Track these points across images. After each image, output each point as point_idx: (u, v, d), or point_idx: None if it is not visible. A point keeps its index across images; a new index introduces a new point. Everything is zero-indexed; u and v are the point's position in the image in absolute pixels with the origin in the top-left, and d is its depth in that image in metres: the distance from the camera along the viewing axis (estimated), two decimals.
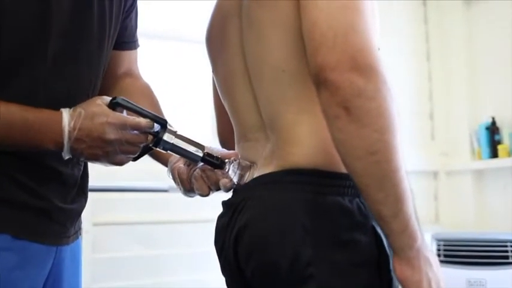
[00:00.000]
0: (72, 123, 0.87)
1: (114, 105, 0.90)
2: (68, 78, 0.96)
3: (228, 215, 0.89)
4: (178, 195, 2.52)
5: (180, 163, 0.97)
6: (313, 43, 0.74)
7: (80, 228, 1.07)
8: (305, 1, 0.77)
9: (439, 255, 2.50)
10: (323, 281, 0.77)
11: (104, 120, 0.87)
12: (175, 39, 2.65)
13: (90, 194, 2.29)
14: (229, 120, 0.99)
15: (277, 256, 0.79)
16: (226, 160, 0.91)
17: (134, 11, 1.15)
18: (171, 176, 1.00)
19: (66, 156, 0.89)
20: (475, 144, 3.00)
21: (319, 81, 0.73)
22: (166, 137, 0.90)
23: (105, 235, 2.29)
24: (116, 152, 0.90)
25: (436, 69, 3.23)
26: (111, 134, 0.88)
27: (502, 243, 2.39)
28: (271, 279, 0.81)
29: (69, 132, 0.87)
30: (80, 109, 0.88)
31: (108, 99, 0.91)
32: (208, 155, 0.91)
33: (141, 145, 0.91)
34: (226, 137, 1.06)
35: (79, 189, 1.04)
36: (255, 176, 0.88)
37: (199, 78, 2.56)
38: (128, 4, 1.11)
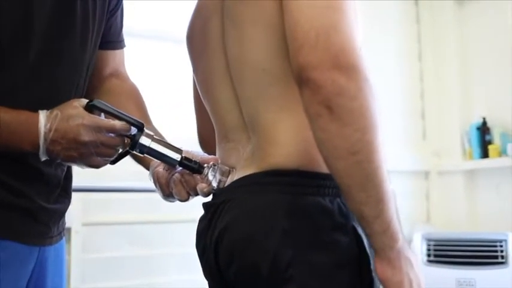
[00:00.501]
0: (48, 125, 0.87)
1: (90, 108, 0.90)
2: (49, 79, 0.96)
3: (208, 217, 0.88)
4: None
5: (160, 167, 0.97)
6: (295, 42, 0.74)
7: (63, 229, 1.07)
8: (287, 0, 0.77)
9: (429, 255, 2.51)
10: (303, 282, 0.77)
11: (79, 122, 0.88)
12: (161, 39, 2.63)
13: (79, 194, 2.30)
14: (210, 121, 0.98)
15: (257, 258, 0.79)
16: (205, 165, 0.91)
17: (119, 11, 1.15)
18: (152, 180, 1.00)
19: (43, 157, 0.89)
20: (466, 145, 3.01)
21: (301, 80, 0.73)
22: (143, 140, 0.89)
23: (95, 235, 2.27)
24: (91, 154, 0.89)
25: (427, 69, 3.23)
26: (86, 136, 0.88)
27: (492, 243, 2.40)
28: (252, 281, 0.80)
29: (45, 133, 0.87)
30: (57, 111, 0.88)
31: (85, 101, 0.91)
32: (186, 159, 0.91)
33: (118, 148, 0.91)
34: (206, 136, 1.06)
35: (62, 190, 1.03)
36: (235, 178, 0.87)
37: (185, 79, 2.53)
38: (113, 4, 1.10)
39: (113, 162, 0.94)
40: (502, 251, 2.36)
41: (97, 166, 0.93)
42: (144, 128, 0.91)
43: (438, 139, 3.15)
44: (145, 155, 0.91)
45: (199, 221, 0.93)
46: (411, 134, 3.14)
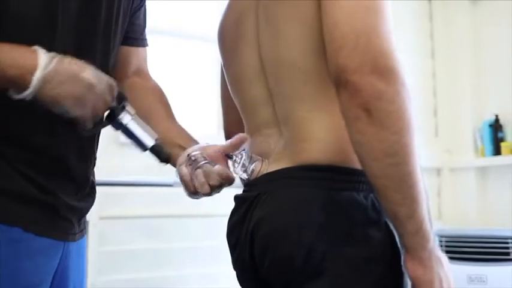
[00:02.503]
0: (52, 55, 0.83)
1: None
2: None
3: (243, 210, 0.89)
4: (182, 191, 2.52)
5: (183, 165, 0.96)
6: (334, 44, 0.74)
7: (85, 227, 1.08)
8: (326, 0, 0.77)
9: None
10: (337, 275, 0.78)
11: (84, 64, 0.86)
12: (180, 36, 2.66)
13: (97, 188, 2.30)
14: (237, 116, 0.99)
15: (292, 250, 0.80)
16: (237, 152, 0.91)
17: (142, 9, 1.15)
18: (177, 177, 0.99)
19: (30, 89, 0.81)
20: (479, 142, 3.01)
21: (340, 82, 0.73)
22: (124, 115, 0.90)
23: (112, 229, 2.29)
24: (88, 101, 0.85)
25: (440, 67, 3.23)
26: (89, 75, 0.85)
27: (503, 239, 2.40)
28: (286, 272, 0.81)
29: (47, 59, 0.82)
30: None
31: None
32: (158, 146, 0.91)
33: (106, 108, 0.90)
34: (233, 132, 1.04)
35: (90, 188, 1.04)
36: (268, 171, 0.88)
37: (204, 75, 2.57)
38: (136, 2, 1.11)
39: (90, 131, 0.91)
40: None
41: (82, 118, 0.87)
42: (128, 104, 0.90)
43: (450, 136, 3.14)
44: (119, 131, 0.92)
45: (232, 213, 0.93)
46: (423, 131, 3.13)
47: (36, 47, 0.83)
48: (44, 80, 0.81)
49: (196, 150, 0.96)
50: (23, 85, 0.81)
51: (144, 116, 1.00)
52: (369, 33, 0.73)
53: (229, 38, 0.98)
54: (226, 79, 1.01)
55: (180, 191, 2.61)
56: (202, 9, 2.69)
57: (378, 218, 0.81)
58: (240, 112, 0.98)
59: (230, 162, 0.93)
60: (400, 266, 0.79)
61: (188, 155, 0.95)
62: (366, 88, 0.71)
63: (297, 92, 0.85)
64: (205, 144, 0.99)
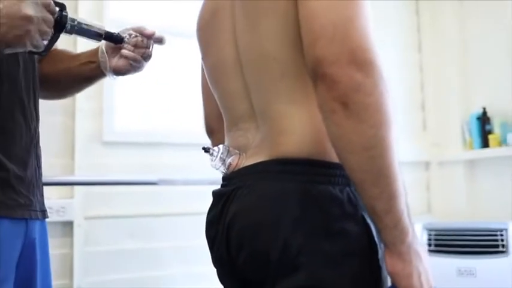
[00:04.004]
0: None
1: None
2: None
3: (220, 204, 0.89)
4: (168, 188, 2.52)
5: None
6: (311, 35, 0.73)
7: (45, 210, 1.07)
8: None
9: (429, 245, 2.52)
10: (313, 269, 0.77)
11: (17, 0, 0.87)
12: (169, 33, 2.64)
13: (81, 188, 2.31)
14: (217, 109, 0.99)
15: (268, 245, 0.79)
16: (125, 35, 1.12)
17: None
18: (101, 57, 1.16)
19: None
20: (467, 135, 3.01)
21: (317, 74, 0.72)
22: (68, 21, 0.98)
23: (97, 228, 2.29)
24: (35, 31, 0.88)
25: (427, 60, 3.23)
26: (29, 10, 0.87)
27: (492, 232, 2.40)
28: (262, 267, 0.80)
29: None
30: None
31: None
32: (109, 32, 1.07)
33: (51, 26, 0.93)
34: (213, 125, 1.07)
35: (35, 157, 1.03)
36: (244, 165, 0.88)
37: (193, 72, 2.56)
38: None
39: (47, 49, 0.95)
40: (502, 240, 2.36)
41: (38, 46, 0.91)
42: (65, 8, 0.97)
43: (438, 130, 3.15)
44: (73, 34, 1.00)
45: (210, 209, 0.93)
46: (411, 125, 3.15)
47: None
48: None
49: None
50: None
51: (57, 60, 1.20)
52: (346, 24, 0.72)
53: (206, 30, 0.97)
54: (205, 72, 1.01)
55: (165, 189, 2.60)
56: (190, 8, 2.67)
57: (354, 211, 0.80)
58: (219, 105, 0.98)
59: (208, 156, 0.93)
60: (378, 260, 0.80)
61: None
62: (343, 80, 0.70)
63: (273, 85, 0.84)
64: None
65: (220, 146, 0.91)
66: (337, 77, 0.70)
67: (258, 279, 0.82)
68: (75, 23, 0.99)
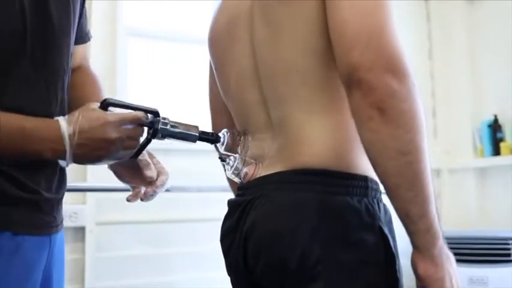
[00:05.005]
0: (71, 128, 0.88)
1: (106, 106, 0.91)
2: (39, 83, 0.96)
3: (236, 215, 0.89)
4: (180, 194, 2.52)
5: None
6: (345, 42, 0.74)
7: (62, 219, 1.08)
8: (332, 0, 0.77)
9: None
10: (331, 279, 0.78)
11: (103, 121, 0.89)
12: (173, 39, 2.67)
13: (93, 194, 2.32)
14: (225, 120, 1.00)
15: (286, 254, 0.80)
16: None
17: (84, 8, 1.17)
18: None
19: (69, 163, 0.90)
20: (478, 142, 3.00)
21: (352, 81, 0.73)
22: (162, 125, 0.92)
23: (109, 234, 2.30)
24: (118, 150, 0.91)
25: (438, 67, 3.22)
26: (113, 133, 0.89)
27: (504, 240, 2.39)
28: (280, 277, 0.81)
29: (70, 137, 0.87)
30: (77, 114, 0.89)
31: (97, 103, 0.92)
32: (203, 133, 0.95)
33: (140, 138, 0.93)
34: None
35: (60, 175, 1.04)
36: (261, 175, 0.88)
37: (195, 77, 2.58)
38: (81, 2, 1.12)
39: (136, 155, 0.95)
40: None
41: (121, 159, 0.94)
42: (159, 115, 0.93)
43: (449, 137, 3.13)
44: (166, 138, 0.94)
45: (225, 218, 0.93)
46: None
47: (57, 120, 0.89)
48: (75, 155, 0.89)
49: None
50: (60, 158, 0.90)
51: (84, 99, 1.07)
52: (379, 32, 0.73)
53: (222, 41, 0.97)
54: (218, 83, 1.00)
55: (177, 195, 2.60)
56: (194, 13, 2.70)
57: (372, 222, 0.80)
58: (233, 116, 0.98)
59: (224, 165, 0.94)
60: (395, 271, 0.80)
61: None
62: (380, 86, 0.71)
63: (293, 95, 0.85)
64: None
65: (236, 155, 0.91)
66: (373, 83, 0.71)
67: (275, 287, 0.83)
68: (168, 129, 0.93)
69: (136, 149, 0.94)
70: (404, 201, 0.75)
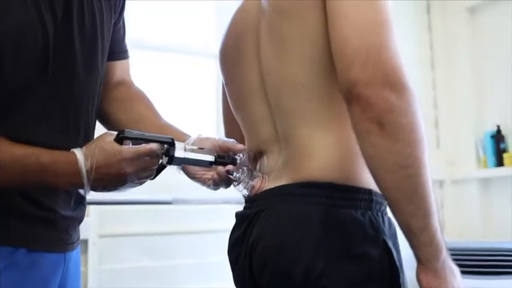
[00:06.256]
0: (89, 163, 0.89)
1: (121, 139, 0.92)
2: (66, 101, 0.98)
3: (243, 227, 0.90)
4: (183, 207, 2.51)
5: None
6: (345, 59, 0.75)
7: (79, 236, 1.10)
8: (334, 17, 0.78)
9: None
10: None
11: (119, 158, 0.90)
12: (180, 51, 2.68)
13: (96, 207, 2.32)
14: (238, 132, 1.01)
15: (290, 266, 0.81)
16: (237, 156, 0.96)
17: (122, 22, 1.18)
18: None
19: (87, 193, 0.93)
20: (481, 153, 2.98)
21: (351, 96, 0.74)
22: (178, 153, 0.93)
23: (112, 247, 2.30)
24: (133, 181, 0.93)
25: (440, 77, 3.22)
26: (129, 168, 0.90)
27: (508, 252, 2.37)
28: None
29: (88, 173, 0.89)
30: (94, 147, 0.90)
31: (114, 133, 0.93)
32: (219, 157, 0.96)
33: (155, 167, 0.95)
34: None
35: (77, 197, 1.06)
36: (268, 188, 0.89)
37: (202, 89, 2.59)
38: (116, 16, 1.13)
39: (152, 179, 0.97)
40: None
41: (136, 186, 0.96)
42: (175, 142, 0.94)
43: (452, 148, 3.12)
44: (181, 165, 0.96)
45: (232, 230, 0.95)
46: None
47: (73, 153, 0.90)
48: (92, 187, 0.91)
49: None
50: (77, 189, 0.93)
51: (136, 121, 1.11)
52: (379, 47, 0.74)
53: (230, 55, 0.99)
54: (228, 97, 1.02)
55: (181, 207, 2.57)
56: (201, 26, 2.71)
57: (375, 235, 0.81)
58: (242, 129, 1.00)
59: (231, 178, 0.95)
60: (398, 284, 0.80)
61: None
62: (378, 102, 0.72)
63: (299, 109, 0.86)
64: (202, 137, 1.02)
65: (244, 168, 0.94)
66: (372, 98, 0.72)
67: None
68: (181, 160, 0.95)
69: (152, 176, 0.96)
70: (405, 214, 0.76)
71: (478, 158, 3.01)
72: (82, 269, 2.16)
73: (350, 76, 0.74)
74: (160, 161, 0.94)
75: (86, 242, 2.23)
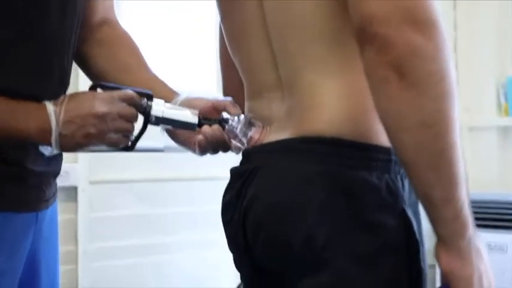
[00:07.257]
0: (57, 108, 0.86)
1: (94, 88, 0.91)
2: (39, 37, 0.93)
3: (238, 185, 0.83)
4: (175, 154, 2.53)
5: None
6: None
7: (56, 191, 1.05)
8: None
9: None
10: (339, 269, 0.71)
11: (91, 97, 0.88)
12: None
13: (86, 153, 2.29)
14: (237, 77, 0.92)
15: (288, 233, 0.74)
16: (228, 117, 0.90)
17: None
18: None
19: (55, 150, 0.88)
20: (502, 99, 2.88)
21: (365, 36, 0.64)
22: (155, 110, 0.89)
23: (102, 193, 2.29)
24: (109, 129, 0.87)
25: (461, 18, 3.07)
26: (101, 107, 0.86)
27: None
28: (282, 257, 0.76)
29: (56, 115, 0.85)
30: (63, 96, 0.88)
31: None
32: (205, 119, 0.90)
33: (134, 122, 0.90)
34: (233, 94, 1.00)
35: None
36: (268, 141, 0.82)
37: (202, 36, 2.58)
38: None
39: (131, 146, 0.92)
40: None
41: (117, 144, 0.90)
42: (153, 96, 0.91)
43: (470, 93, 2.98)
44: (161, 125, 0.91)
45: (226, 189, 0.88)
46: None
47: (44, 104, 0.87)
48: (61, 136, 0.86)
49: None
50: (45, 143, 0.89)
51: (120, 70, 1.06)
52: None
53: None
54: (225, 37, 0.93)
55: (172, 155, 2.60)
56: None
57: (393, 202, 0.72)
58: (240, 73, 0.91)
59: (226, 127, 0.89)
60: (418, 259, 0.72)
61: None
62: (399, 42, 0.61)
63: (304, 52, 0.77)
64: (191, 97, 0.98)
65: (241, 116, 0.87)
66: (390, 37, 0.61)
67: (277, 269, 0.78)
68: (163, 115, 0.90)
69: (133, 137, 0.91)
70: (425, 183, 0.67)
71: (499, 105, 2.90)
72: (71, 216, 2.24)
73: (363, 10, 0.63)
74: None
75: (75, 188, 2.24)
